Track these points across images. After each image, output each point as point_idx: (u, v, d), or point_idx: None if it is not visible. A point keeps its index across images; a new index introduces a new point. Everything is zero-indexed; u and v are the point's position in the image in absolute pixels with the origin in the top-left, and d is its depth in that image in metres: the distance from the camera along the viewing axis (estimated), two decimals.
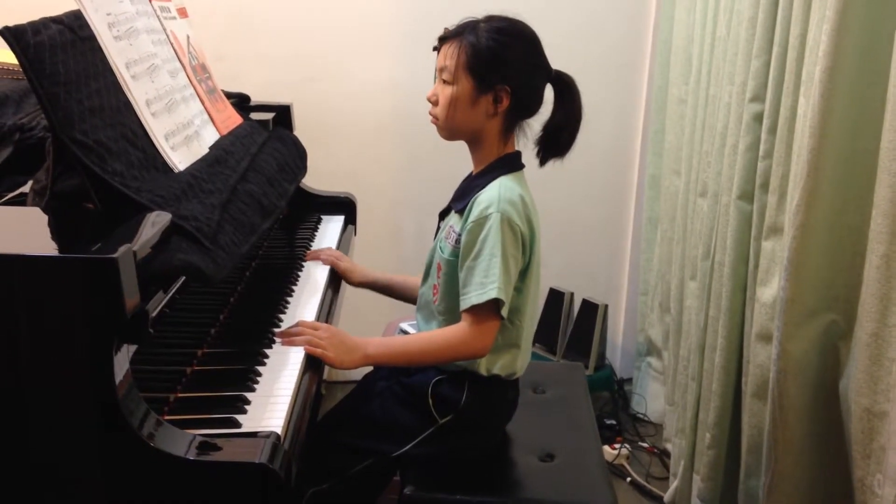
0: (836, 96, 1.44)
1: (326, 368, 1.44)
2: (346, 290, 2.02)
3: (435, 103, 1.49)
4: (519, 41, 1.45)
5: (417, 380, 1.53)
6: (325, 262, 1.84)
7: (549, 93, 1.50)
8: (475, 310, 1.39)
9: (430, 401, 1.49)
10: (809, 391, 1.58)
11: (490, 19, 1.45)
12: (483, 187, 1.45)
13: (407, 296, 1.77)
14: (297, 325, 1.46)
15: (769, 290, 1.69)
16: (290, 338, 1.43)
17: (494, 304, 1.39)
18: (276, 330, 1.47)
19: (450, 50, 1.45)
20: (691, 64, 2.28)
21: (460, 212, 1.48)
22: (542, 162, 1.51)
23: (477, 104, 1.44)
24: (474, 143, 1.51)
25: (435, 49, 1.49)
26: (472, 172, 1.55)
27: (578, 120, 1.48)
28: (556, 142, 1.48)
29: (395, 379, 1.57)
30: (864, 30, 1.41)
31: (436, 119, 1.50)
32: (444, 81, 1.46)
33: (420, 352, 1.47)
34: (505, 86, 1.43)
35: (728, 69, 1.94)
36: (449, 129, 1.50)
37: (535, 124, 1.51)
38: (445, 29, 1.48)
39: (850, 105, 1.45)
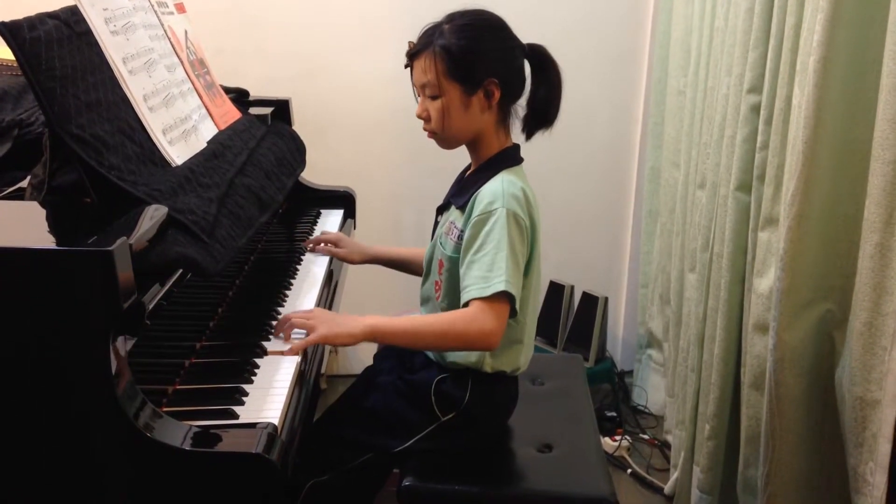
0: (830, 86, 1.44)
1: (326, 361, 1.45)
2: (347, 284, 2.03)
3: (426, 119, 1.46)
4: (488, 30, 1.43)
5: (421, 377, 1.53)
6: (323, 252, 1.84)
7: None
8: (481, 302, 1.33)
9: (433, 398, 1.49)
10: (805, 381, 1.58)
11: (452, 18, 1.43)
12: (484, 182, 1.43)
13: (414, 267, 1.75)
14: (282, 319, 1.43)
15: (765, 281, 1.69)
16: (281, 330, 1.41)
17: (503, 298, 1.34)
18: (274, 322, 1.47)
19: (424, 63, 1.41)
20: (690, 55, 2.28)
21: (461, 207, 1.46)
22: (529, 136, 1.49)
23: (470, 106, 1.43)
24: (474, 142, 1.49)
25: (406, 66, 1.46)
26: (468, 167, 1.55)
27: (560, 87, 1.46)
28: (545, 114, 1.46)
29: (398, 374, 1.58)
30: (858, 20, 1.40)
31: (433, 134, 1.47)
32: (430, 96, 1.43)
33: (424, 332, 1.39)
34: (492, 78, 1.41)
35: (726, 60, 1.94)
36: (449, 140, 1.48)
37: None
38: (410, 43, 1.44)
39: (843, 95, 1.45)
